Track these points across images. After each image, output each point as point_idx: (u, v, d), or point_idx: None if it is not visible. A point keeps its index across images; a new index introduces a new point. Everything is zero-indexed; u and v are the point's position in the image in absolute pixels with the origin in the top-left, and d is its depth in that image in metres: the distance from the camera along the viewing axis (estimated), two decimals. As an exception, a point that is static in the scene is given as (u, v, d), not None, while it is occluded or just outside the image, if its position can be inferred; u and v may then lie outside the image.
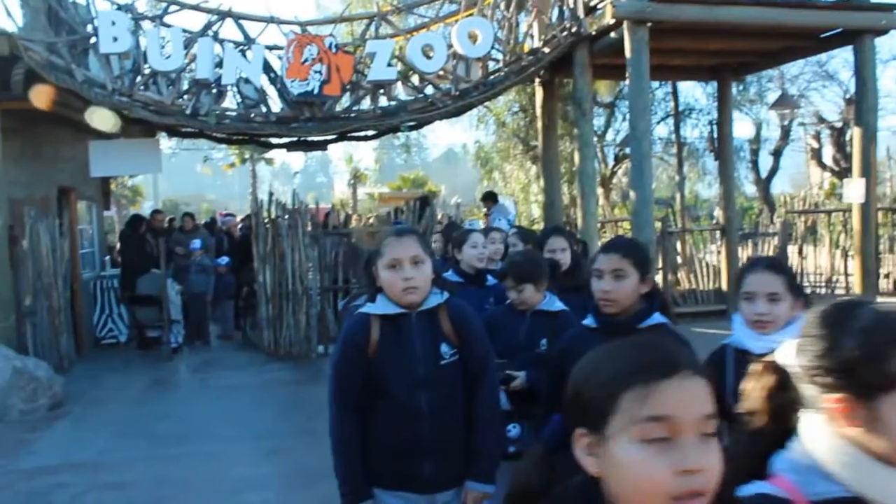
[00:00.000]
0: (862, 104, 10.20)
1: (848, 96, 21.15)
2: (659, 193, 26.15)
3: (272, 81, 9.71)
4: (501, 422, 3.10)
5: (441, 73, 9.99)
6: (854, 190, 10.25)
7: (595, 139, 17.73)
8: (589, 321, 2.86)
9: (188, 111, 9.32)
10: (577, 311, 4.70)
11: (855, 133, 10.44)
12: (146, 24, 9.54)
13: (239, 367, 10.10)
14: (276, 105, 9.80)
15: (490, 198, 12.60)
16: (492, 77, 10.15)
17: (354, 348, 2.72)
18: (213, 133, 10.38)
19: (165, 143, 21.84)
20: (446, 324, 2.75)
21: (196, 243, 11.62)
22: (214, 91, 9.55)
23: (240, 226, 14.12)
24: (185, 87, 9.50)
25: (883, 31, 10.16)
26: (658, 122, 19.60)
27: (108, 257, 13.76)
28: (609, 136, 20.56)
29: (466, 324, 2.80)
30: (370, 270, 2.80)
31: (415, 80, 10.16)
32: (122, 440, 6.91)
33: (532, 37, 10.70)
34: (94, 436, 7.05)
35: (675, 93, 14.38)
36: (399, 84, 10.12)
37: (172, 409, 8.04)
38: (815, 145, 24.77)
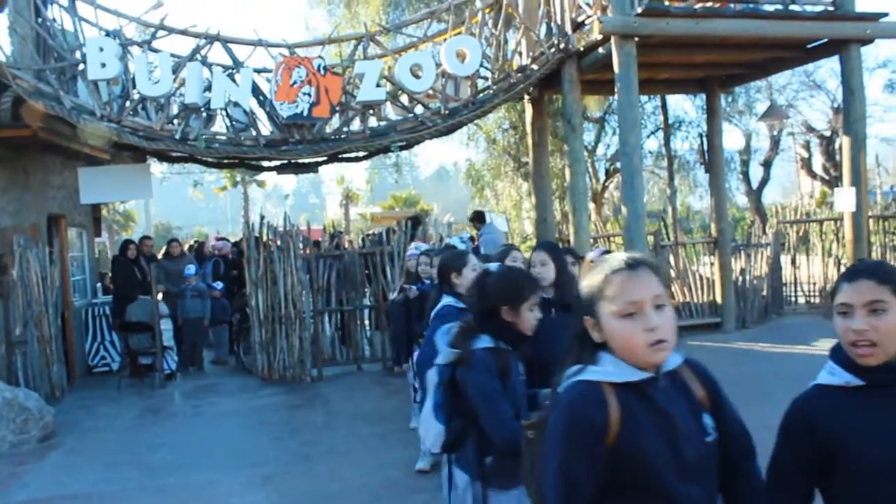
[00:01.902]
0: (850, 113, 10.23)
1: (836, 105, 21.31)
2: (650, 207, 26.24)
3: (261, 104, 9.70)
4: None
5: (430, 92, 10.00)
6: (845, 199, 10.26)
7: (585, 154, 17.78)
8: (840, 376, 2.12)
9: (178, 136, 9.30)
10: (567, 328, 4.70)
11: (844, 142, 10.46)
12: (134, 50, 9.53)
13: (233, 392, 10.01)
14: (265, 128, 9.79)
15: (478, 218, 12.51)
16: (481, 95, 10.16)
17: (591, 434, 1.89)
18: (204, 157, 10.36)
19: (156, 167, 21.80)
20: (697, 387, 2.06)
21: (191, 269, 11.56)
22: (204, 115, 9.54)
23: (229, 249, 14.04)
24: (175, 111, 9.48)
25: (868, 41, 10.20)
26: (648, 136, 19.70)
27: (99, 284, 13.66)
28: (599, 150, 20.65)
29: (716, 385, 2.12)
30: (583, 315, 2.05)
31: (404, 99, 10.17)
32: (115, 471, 6.82)
33: (520, 54, 10.74)
34: (86, 467, 6.95)
35: (664, 106, 14.41)
36: (388, 104, 10.12)
37: (166, 437, 7.95)
38: (805, 155, 24.92)
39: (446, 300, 4.28)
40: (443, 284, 4.42)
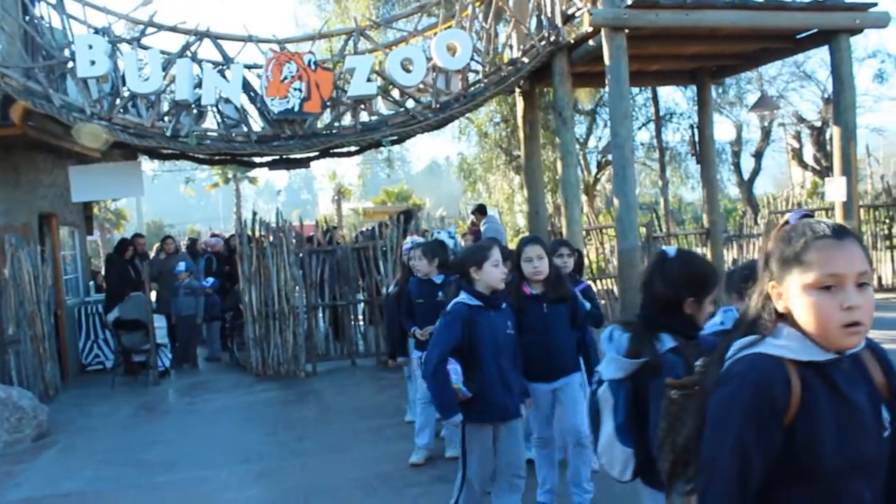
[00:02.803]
0: (840, 103, 10.25)
1: (826, 95, 21.32)
2: (642, 199, 26.28)
3: (252, 100, 9.67)
4: None
5: (421, 86, 9.98)
6: (836, 188, 10.29)
7: (577, 147, 17.80)
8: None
9: (168, 133, 9.27)
10: (561, 321, 4.68)
11: (834, 132, 10.48)
12: (124, 47, 9.49)
13: (227, 388, 10.01)
14: (256, 124, 9.76)
15: (480, 211, 12.60)
16: (472, 88, 10.14)
17: (770, 412, 1.72)
18: (195, 154, 10.33)
19: (147, 165, 21.74)
20: (878, 375, 1.82)
21: (181, 266, 11.53)
22: (194, 112, 9.51)
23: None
24: (165, 108, 9.45)
25: (857, 31, 10.22)
26: (639, 128, 19.75)
27: (92, 282, 13.63)
28: (591, 143, 20.68)
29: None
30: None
31: (395, 94, 10.15)
32: (109, 468, 6.81)
33: (511, 47, 10.73)
34: (81, 465, 6.95)
35: (655, 98, 14.42)
36: (379, 99, 10.10)
37: (160, 434, 7.95)
38: (796, 145, 24.96)
39: (461, 297, 4.14)
40: (461, 279, 4.25)
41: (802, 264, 1.73)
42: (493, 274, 4.10)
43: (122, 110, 9.19)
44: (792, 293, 1.75)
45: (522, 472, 4.30)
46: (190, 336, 11.70)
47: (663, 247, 3.23)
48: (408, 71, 9.77)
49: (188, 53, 9.50)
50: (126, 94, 9.21)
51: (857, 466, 1.72)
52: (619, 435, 2.79)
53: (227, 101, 9.45)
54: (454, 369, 4.04)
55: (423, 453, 6.21)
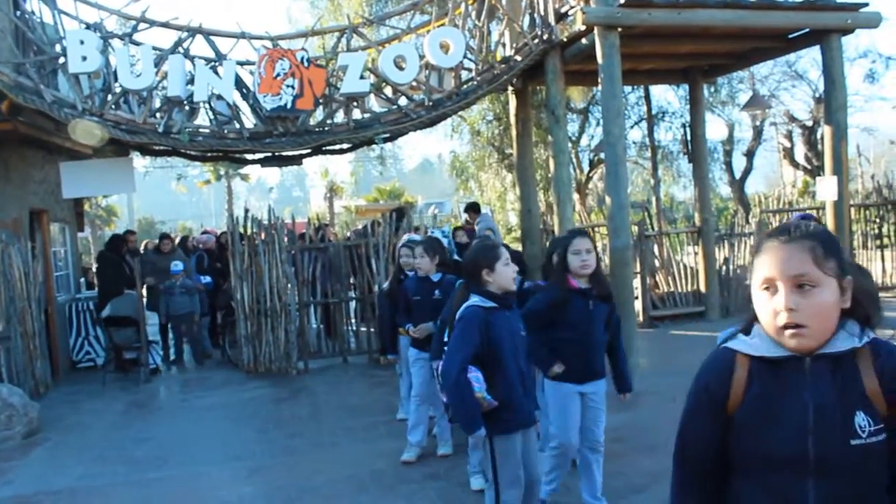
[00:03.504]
0: (831, 102, 10.29)
1: (817, 95, 21.40)
2: (634, 197, 26.29)
3: (245, 97, 9.65)
4: None
5: (414, 83, 9.97)
6: (827, 188, 10.33)
7: (569, 145, 17.81)
8: None
9: (160, 129, 9.24)
10: (601, 321, 4.55)
11: (825, 131, 10.52)
12: (116, 43, 9.45)
13: (218, 386, 10.00)
14: (249, 121, 9.74)
15: (473, 209, 12.60)
16: (465, 86, 10.14)
17: (706, 397, 1.87)
18: (187, 151, 10.29)
19: (139, 162, 21.68)
20: (870, 380, 1.76)
21: (178, 266, 11.47)
22: (187, 108, 9.48)
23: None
24: (157, 105, 9.42)
25: (849, 31, 10.26)
26: (632, 127, 19.75)
27: (82, 279, 13.58)
28: (584, 141, 20.69)
29: None
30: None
31: (388, 91, 10.14)
32: (100, 465, 6.79)
33: (504, 45, 10.73)
34: (72, 462, 6.93)
35: (647, 97, 14.47)
36: (372, 96, 10.09)
37: (152, 431, 7.93)
38: (787, 144, 25.03)
39: (473, 299, 3.91)
40: (471, 282, 4.00)
41: (754, 266, 1.83)
42: (505, 274, 3.94)
43: (113, 106, 9.16)
44: (753, 294, 1.84)
45: (543, 478, 4.19)
46: (186, 334, 11.64)
47: None
48: (401, 68, 9.76)
49: (180, 50, 9.48)
50: (118, 90, 9.18)
51: (799, 469, 1.74)
52: None
53: (220, 97, 9.43)
54: (476, 377, 3.80)
55: (416, 451, 6.22)
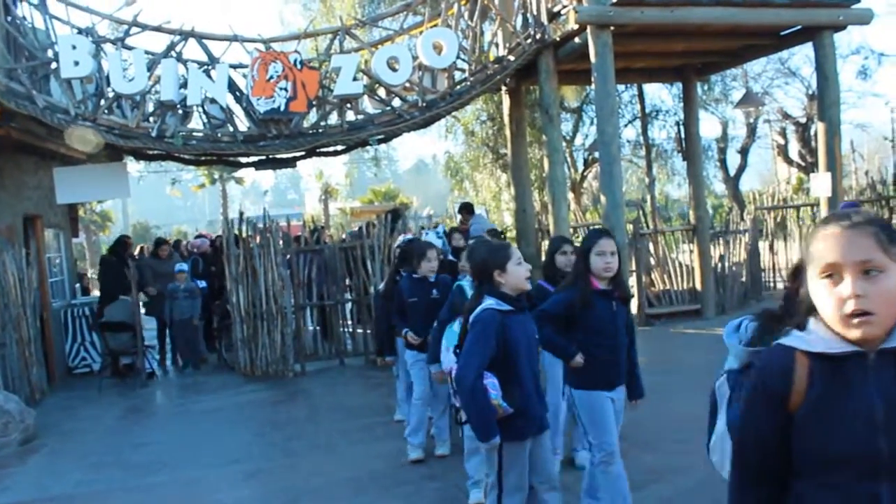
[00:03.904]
0: (824, 99, 10.33)
1: (810, 92, 21.46)
2: (629, 195, 26.34)
3: (238, 100, 9.65)
4: None
5: (407, 85, 9.98)
6: (821, 184, 10.36)
7: (564, 144, 17.82)
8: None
9: (154, 133, 9.23)
10: (623, 323, 4.37)
11: (819, 128, 10.57)
12: (108, 47, 9.45)
13: (215, 389, 9.97)
14: (242, 124, 9.73)
15: (467, 209, 12.59)
16: (458, 87, 10.16)
17: (768, 401, 1.80)
18: (181, 155, 10.30)
19: (133, 166, 21.62)
20: None
21: (183, 265, 11.41)
22: (180, 112, 9.47)
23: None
24: (150, 109, 9.40)
25: (841, 27, 10.30)
26: (626, 125, 19.78)
27: (78, 285, 13.54)
28: (578, 140, 20.72)
29: None
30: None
31: (381, 93, 10.15)
32: (98, 471, 6.77)
33: (497, 45, 10.75)
34: (69, 468, 6.90)
35: (641, 95, 14.47)
36: (366, 98, 10.09)
37: (149, 436, 7.91)
38: (781, 141, 25.10)
39: (488, 302, 3.72)
40: (482, 284, 3.84)
41: (812, 254, 1.74)
42: (518, 273, 3.75)
43: (106, 111, 9.15)
44: (810, 284, 1.76)
45: (557, 483, 4.01)
46: (189, 338, 11.54)
47: None
48: (394, 70, 9.77)
49: (173, 53, 9.47)
50: (111, 94, 9.18)
51: (872, 465, 1.67)
52: (731, 430, 2.72)
53: (213, 101, 9.43)
54: (492, 384, 3.64)
55: (420, 450, 6.19)
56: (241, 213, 10.72)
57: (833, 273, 1.68)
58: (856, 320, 1.65)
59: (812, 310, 1.77)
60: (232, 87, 9.51)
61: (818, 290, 1.72)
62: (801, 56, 21.31)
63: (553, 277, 5.28)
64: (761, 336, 2.49)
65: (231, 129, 9.60)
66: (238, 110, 9.73)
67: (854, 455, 1.67)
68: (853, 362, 1.70)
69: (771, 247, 14.06)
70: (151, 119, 9.34)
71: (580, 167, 21.10)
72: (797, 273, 2.09)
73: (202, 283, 12.07)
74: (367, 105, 10.17)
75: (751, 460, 1.85)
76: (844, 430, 1.68)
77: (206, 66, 9.50)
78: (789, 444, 1.77)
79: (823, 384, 1.72)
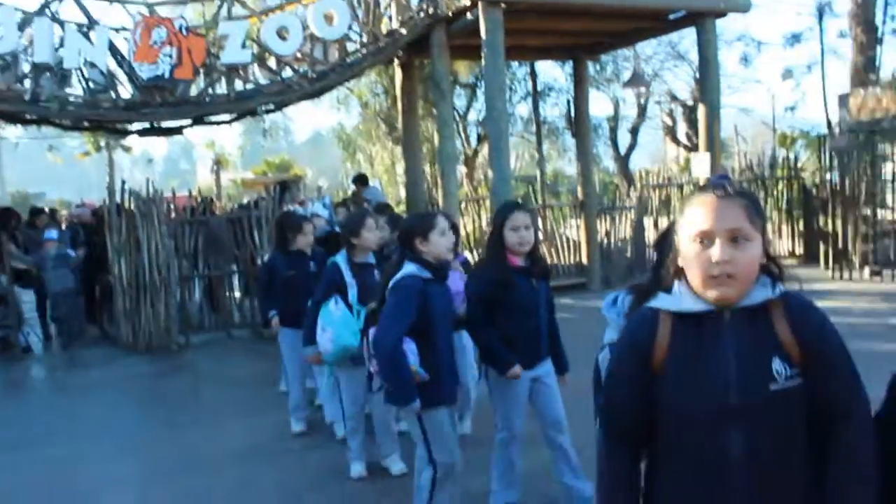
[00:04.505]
0: (706, 83, 10.75)
1: (697, 76, 22.22)
2: (523, 171, 26.75)
3: (120, 65, 9.31)
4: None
5: (298, 55, 9.84)
6: (700, 164, 10.79)
7: (457, 119, 17.95)
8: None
9: (28, 97, 8.83)
10: (543, 300, 4.17)
11: (700, 110, 10.98)
12: (-25, 4, 8.95)
13: (96, 363, 9.67)
14: (125, 90, 9.40)
15: (360, 181, 12.56)
16: (349, 59, 10.07)
17: (632, 358, 1.93)
18: (58, 120, 9.86)
19: (11, 131, 20.58)
20: (783, 329, 1.83)
21: (52, 233, 10.75)
22: (57, 75, 9.07)
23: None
24: (25, 71, 8.97)
25: (721, 14, 10.70)
26: (519, 102, 20.04)
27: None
28: (471, 116, 20.86)
29: (820, 331, 1.86)
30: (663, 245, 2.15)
31: (271, 62, 9.97)
32: (-35, 447, 6.50)
33: (390, 18, 10.69)
34: (-67, 445, 6.60)
35: (533, 73, 14.69)
36: (255, 67, 9.90)
37: (24, 412, 7.63)
38: (670, 122, 25.94)
39: (409, 268, 3.70)
40: (405, 250, 3.81)
41: (687, 220, 1.86)
42: (440, 244, 3.75)
43: (-25, 71, 8.69)
44: (681, 247, 1.88)
45: (495, 484, 4.17)
46: (70, 309, 10.76)
47: None
48: (283, 39, 9.62)
49: (48, 12, 9.03)
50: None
51: (722, 418, 1.79)
52: None
53: (93, 65, 9.06)
54: (410, 349, 3.66)
55: (304, 423, 6.18)
56: (124, 182, 10.38)
57: (704, 239, 1.80)
58: (718, 282, 1.79)
59: (679, 273, 1.90)
60: (113, 51, 9.17)
61: (689, 252, 1.84)
62: (690, 40, 21.99)
63: None
64: (635, 307, 2.70)
65: (113, 95, 9.26)
66: (121, 76, 9.39)
67: (707, 409, 1.80)
68: (711, 321, 1.84)
69: (656, 223, 14.54)
70: (26, 81, 8.91)
71: (473, 142, 21.28)
72: (662, 242, 2.30)
73: (73, 253, 11.55)
74: (257, 74, 9.98)
75: (616, 419, 1.97)
76: (700, 384, 1.81)
77: (84, 28, 9.11)
78: (653, 405, 1.88)
79: (684, 341, 1.85)
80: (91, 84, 9.21)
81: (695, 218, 1.83)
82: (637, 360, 1.90)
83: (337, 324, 4.72)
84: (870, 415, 1.85)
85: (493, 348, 4.07)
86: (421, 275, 3.68)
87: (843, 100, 12.89)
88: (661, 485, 1.93)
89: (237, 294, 11.10)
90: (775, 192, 14.61)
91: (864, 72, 15.91)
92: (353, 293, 4.83)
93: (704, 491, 1.83)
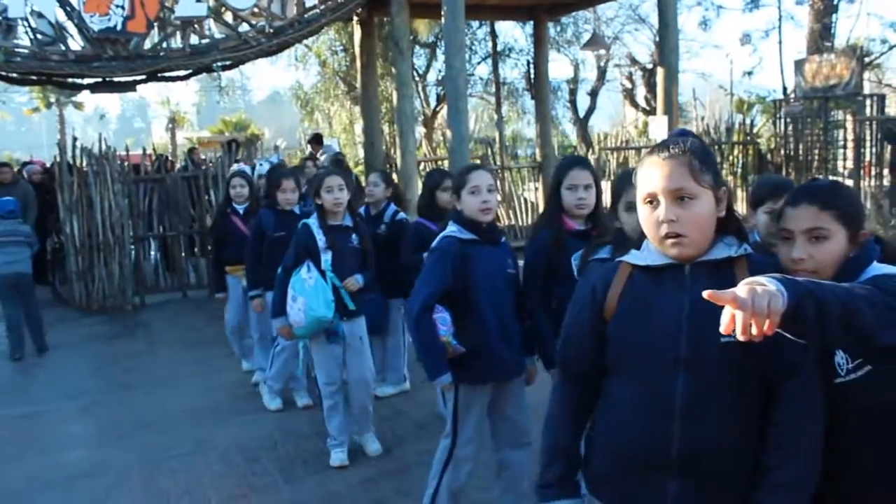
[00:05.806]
0: (664, 45, 10.76)
1: (657, 39, 22.27)
2: (482, 133, 26.69)
3: (69, 16, 9.04)
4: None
5: (255, 10, 9.65)
6: (658, 127, 10.87)
7: (417, 79, 17.80)
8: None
9: (-29, 49, 8.54)
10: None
11: (659, 73, 11.02)
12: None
13: (49, 324, 9.42)
14: (76, 43, 9.14)
15: (316, 140, 12.44)
16: (307, 14, 9.90)
17: (586, 303, 2.02)
18: (4, 73, 9.56)
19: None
20: None
21: (8, 204, 8.22)
22: (2, 25, 8.77)
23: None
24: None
25: (682, -25, 10.70)
26: (479, 62, 19.90)
27: None
28: (431, 75, 20.70)
29: None
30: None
31: (228, 17, 9.76)
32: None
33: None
34: None
35: (493, 33, 14.60)
36: (211, 21, 9.69)
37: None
38: (629, 86, 26.01)
39: (450, 228, 3.42)
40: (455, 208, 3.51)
41: (637, 182, 1.92)
42: (470, 203, 3.38)
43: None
44: (638, 209, 1.94)
45: (527, 439, 3.56)
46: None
47: None
48: (241, -7, 9.41)
49: (-7, -40, 8.73)
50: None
51: (668, 365, 1.84)
52: None
53: (41, 15, 8.78)
54: (442, 318, 3.33)
55: (279, 400, 5.81)
56: (76, 139, 10.14)
57: (652, 200, 1.86)
58: (669, 241, 1.84)
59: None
60: (62, 1, 8.88)
61: (641, 213, 1.90)
62: (651, 4, 22.04)
63: (434, 215, 4.87)
64: (586, 257, 2.94)
65: (62, 47, 8.99)
66: (70, 28, 9.12)
67: (657, 348, 1.87)
68: (671, 273, 1.90)
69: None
70: (-31, 32, 8.63)
71: (433, 103, 21.14)
72: (613, 204, 2.53)
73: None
74: (214, 29, 9.77)
75: (569, 358, 2.09)
76: (653, 328, 1.88)
77: (31, -24, 8.81)
78: (604, 347, 1.97)
79: (639, 289, 1.93)
80: (39, 35, 8.92)
81: (643, 180, 1.89)
82: (592, 306, 1.99)
83: (309, 293, 4.34)
84: (816, 371, 1.86)
85: (545, 338, 3.44)
86: (461, 236, 3.36)
87: (799, 66, 13.00)
88: (603, 423, 2.01)
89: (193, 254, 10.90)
90: (731, 157, 14.77)
91: (820, 38, 16.05)
92: (326, 259, 4.45)
93: (643, 433, 1.88)
